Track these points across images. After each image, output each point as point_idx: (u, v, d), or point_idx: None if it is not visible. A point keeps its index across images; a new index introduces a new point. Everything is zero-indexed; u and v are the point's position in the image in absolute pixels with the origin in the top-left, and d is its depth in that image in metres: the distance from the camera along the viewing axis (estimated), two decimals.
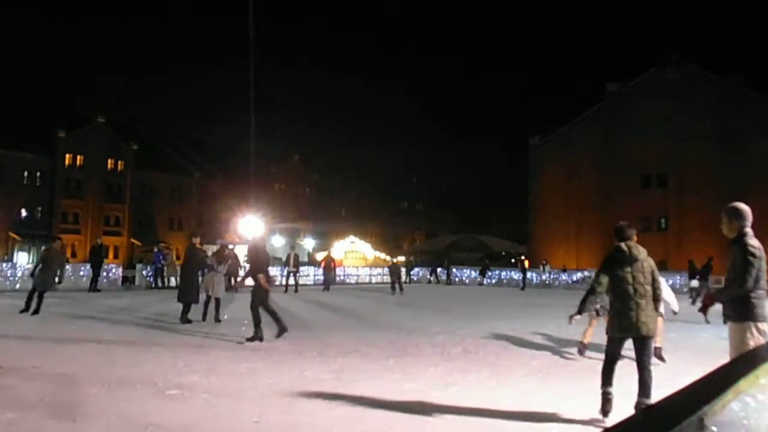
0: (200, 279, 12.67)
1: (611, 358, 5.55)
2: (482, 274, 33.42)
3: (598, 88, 48.16)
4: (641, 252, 5.51)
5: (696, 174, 40.59)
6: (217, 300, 12.30)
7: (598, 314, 8.67)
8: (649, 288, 5.42)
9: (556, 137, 47.99)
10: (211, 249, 38.66)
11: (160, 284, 22.76)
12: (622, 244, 5.52)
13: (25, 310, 12.69)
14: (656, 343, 7.97)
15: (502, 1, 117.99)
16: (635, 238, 5.64)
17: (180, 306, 12.04)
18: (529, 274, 34.53)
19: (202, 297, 12.49)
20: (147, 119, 61.61)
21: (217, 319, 12.01)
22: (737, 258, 4.51)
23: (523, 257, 35.94)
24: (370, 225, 66.51)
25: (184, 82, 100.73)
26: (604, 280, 5.46)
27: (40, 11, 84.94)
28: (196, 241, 12.87)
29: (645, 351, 5.39)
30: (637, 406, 5.27)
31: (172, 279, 23.05)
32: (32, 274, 13.06)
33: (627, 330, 5.36)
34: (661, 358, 8.42)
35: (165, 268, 23.05)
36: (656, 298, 5.49)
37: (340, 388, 6.48)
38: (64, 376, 6.81)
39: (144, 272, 23.88)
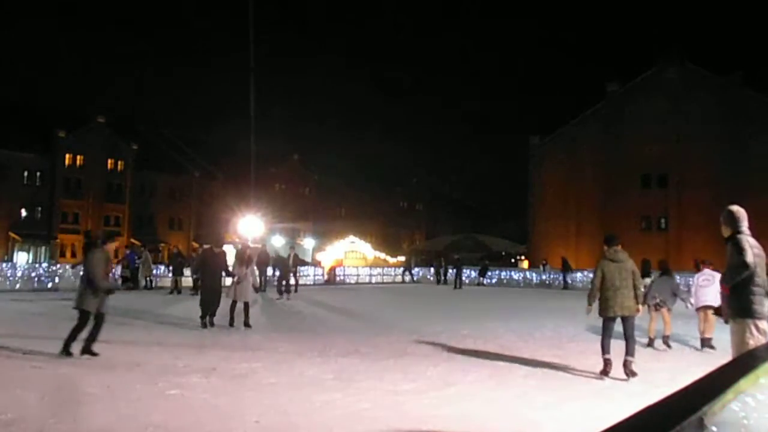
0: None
1: (607, 333, 7.54)
2: (482, 274, 33.38)
3: (598, 88, 48.15)
4: (623, 255, 7.54)
5: (696, 174, 40.56)
6: (246, 304, 11.68)
7: (657, 308, 10.11)
8: (629, 282, 7.38)
9: (556, 137, 47.95)
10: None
11: (138, 284, 21.94)
12: (610, 249, 7.56)
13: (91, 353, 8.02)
14: (706, 334, 10.06)
15: (502, 3, 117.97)
16: (620, 245, 7.65)
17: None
18: (528, 274, 34.52)
19: (225, 302, 11.86)
20: (147, 119, 61.47)
21: (247, 324, 11.42)
22: (732, 254, 4.60)
23: (456, 256, 35.83)
24: (370, 225, 66.46)
25: (184, 82, 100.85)
26: (599, 276, 7.45)
27: (40, 12, 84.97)
28: (219, 249, 12.15)
29: (629, 325, 7.47)
30: (625, 362, 7.36)
31: (144, 279, 22.33)
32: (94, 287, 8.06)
33: (612, 311, 7.38)
34: (711, 347, 9.91)
35: (140, 267, 22.17)
36: (636, 288, 7.45)
37: (340, 389, 6.48)
38: (64, 376, 6.81)
39: (118, 273, 22.29)
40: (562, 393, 6.53)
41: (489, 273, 33.94)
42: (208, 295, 11.54)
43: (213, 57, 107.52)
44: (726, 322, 4.79)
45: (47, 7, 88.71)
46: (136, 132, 56.72)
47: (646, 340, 9.98)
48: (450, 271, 32.92)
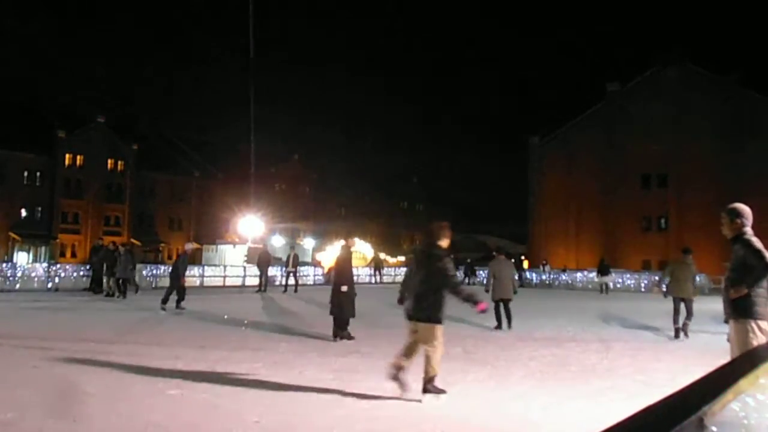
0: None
1: (676, 309, 11.41)
2: (472, 273, 32.92)
3: (598, 88, 48.17)
4: (690, 259, 11.59)
5: (696, 174, 40.55)
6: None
7: None
8: (689, 276, 11.55)
9: (556, 137, 47.93)
10: (211, 248, 38.45)
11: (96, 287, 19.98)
12: (682, 257, 11.65)
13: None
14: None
15: (502, 3, 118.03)
16: (690, 255, 11.56)
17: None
18: (529, 274, 34.44)
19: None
20: (147, 119, 61.54)
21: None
22: (747, 255, 4.51)
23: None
24: (370, 225, 66.44)
25: (184, 82, 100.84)
26: (668, 272, 11.71)
27: (41, 12, 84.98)
28: (351, 242, 11.32)
29: (690, 305, 11.41)
30: (684, 324, 11.29)
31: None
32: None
33: (678, 295, 11.39)
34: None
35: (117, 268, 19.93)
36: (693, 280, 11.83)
37: (340, 388, 6.47)
38: (64, 376, 6.80)
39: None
40: (562, 393, 6.52)
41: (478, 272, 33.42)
42: (349, 303, 10.36)
43: (214, 57, 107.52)
44: (725, 321, 4.78)
45: (47, 7, 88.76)
46: (136, 132, 56.75)
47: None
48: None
